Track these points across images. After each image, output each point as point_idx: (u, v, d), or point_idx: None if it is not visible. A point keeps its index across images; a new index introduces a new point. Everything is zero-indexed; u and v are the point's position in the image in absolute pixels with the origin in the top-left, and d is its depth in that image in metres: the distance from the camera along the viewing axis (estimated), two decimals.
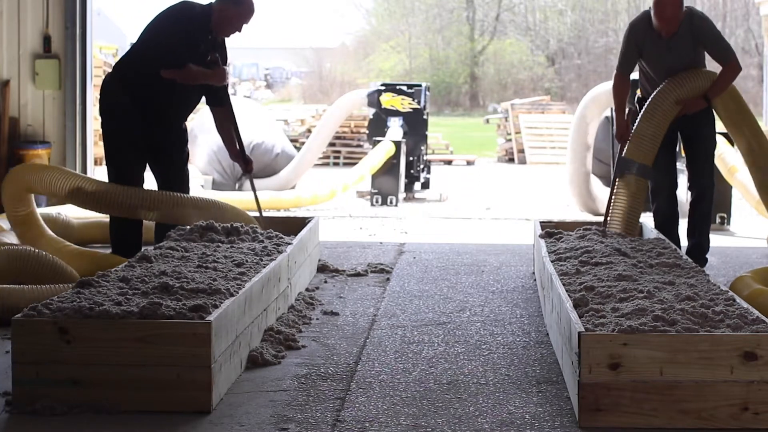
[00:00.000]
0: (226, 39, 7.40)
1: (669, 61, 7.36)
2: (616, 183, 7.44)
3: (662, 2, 7.22)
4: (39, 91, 10.72)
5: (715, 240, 7.40)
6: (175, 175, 7.40)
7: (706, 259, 7.58)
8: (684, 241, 7.66)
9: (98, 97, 7.34)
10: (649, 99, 7.42)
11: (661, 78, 7.42)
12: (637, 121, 7.43)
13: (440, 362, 5.32)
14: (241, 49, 51.28)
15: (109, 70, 8.42)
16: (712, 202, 7.62)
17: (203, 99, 7.48)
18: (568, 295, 5.16)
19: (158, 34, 7.11)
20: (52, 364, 4.43)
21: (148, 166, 7.39)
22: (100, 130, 7.66)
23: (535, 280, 7.50)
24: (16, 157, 10.54)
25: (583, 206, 12.99)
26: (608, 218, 7.41)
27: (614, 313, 4.79)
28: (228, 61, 7.35)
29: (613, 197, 7.44)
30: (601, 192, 12.65)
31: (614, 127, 7.57)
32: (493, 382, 4.98)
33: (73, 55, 10.73)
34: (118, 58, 8.35)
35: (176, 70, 7.00)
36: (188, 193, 7.44)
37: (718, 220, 11.09)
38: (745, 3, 35.54)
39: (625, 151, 7.44)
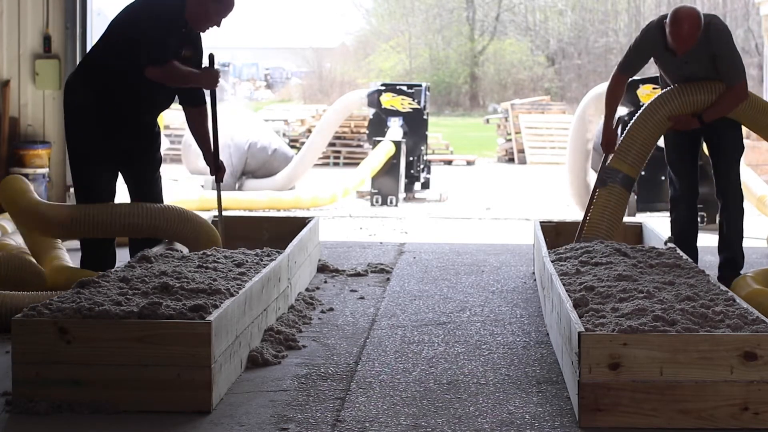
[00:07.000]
0: (202, 34, 6.75)
1: (686, 72, 6.91)
2: (597, 192, 7.10)
3: (679, 19, 6.64)
4: (39, 91, 10.70)
5: (716, 240, 7.34)
6: (146, 183, 6.80)
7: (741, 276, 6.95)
8: (713, 255, 7.30)
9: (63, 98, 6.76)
10: (642, 109, 7.09)
11: None
12: (626, 130, 7.10)
13: (440, 362, 5.31)
14: (241, 49, 51.35)
15: None
16: (742, 211, 7.20)
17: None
18: (568, 295, 5.16)
19: (127, 28, 6.45)
20: (52, 364, 4.42)
21: (120, 175, 6.79)
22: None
23: (535, 280, 7.49)
24: (16, 157, 10.53)
25: (582, 206, 12.98)
26: (586, 225, 7.05)
27: (614, 313, 4.79)
28: (215, 59, 6.70)
29: (592, 206, 7.09)
30: None
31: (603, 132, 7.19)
32: (493, 382, 4.98)
33: (73, 55, 10.72)
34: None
35: (160, 69, 6.36)
36: (160, 200, 6.83)
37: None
38: (745, 3, 35.49)
39: (610, 160, 7.09)
